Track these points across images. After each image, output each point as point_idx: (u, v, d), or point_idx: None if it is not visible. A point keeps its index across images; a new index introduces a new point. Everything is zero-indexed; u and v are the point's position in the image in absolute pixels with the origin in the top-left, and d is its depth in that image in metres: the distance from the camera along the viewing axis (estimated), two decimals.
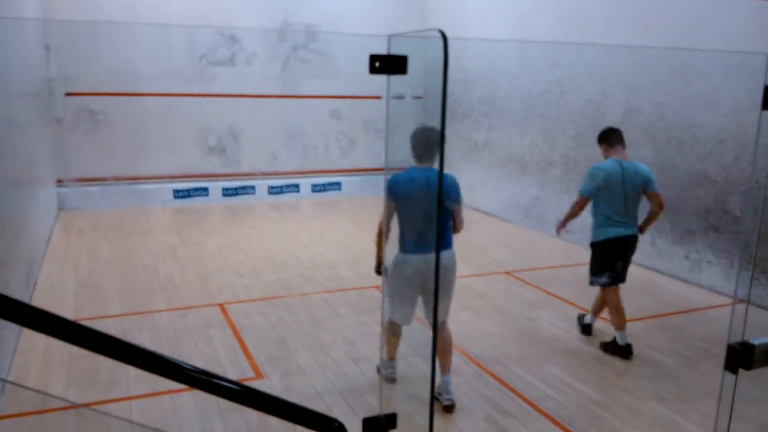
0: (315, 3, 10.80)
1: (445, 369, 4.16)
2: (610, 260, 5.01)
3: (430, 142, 4.00)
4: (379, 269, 4.33)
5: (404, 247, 4.01)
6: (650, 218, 5.12)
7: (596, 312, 5.38)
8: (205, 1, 10.07)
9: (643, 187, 4.98)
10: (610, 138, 5.10)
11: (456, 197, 4.05)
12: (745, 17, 6.15)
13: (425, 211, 3.90)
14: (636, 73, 7.42)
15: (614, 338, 5.01)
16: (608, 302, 5.07)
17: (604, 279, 5.04)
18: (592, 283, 5.13)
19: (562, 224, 5.15)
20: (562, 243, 8.48)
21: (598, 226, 5.03)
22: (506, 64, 9.67)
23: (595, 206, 5.02)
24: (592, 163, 8.24)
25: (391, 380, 4.39)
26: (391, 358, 4.43)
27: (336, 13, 10.87)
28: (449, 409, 4.05)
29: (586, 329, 5.42)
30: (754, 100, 6.06)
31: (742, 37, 6.16)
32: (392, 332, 4.31)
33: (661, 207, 5.04)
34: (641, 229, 5.12)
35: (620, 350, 4.96)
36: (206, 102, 10.32)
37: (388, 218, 4.00)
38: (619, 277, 5.06)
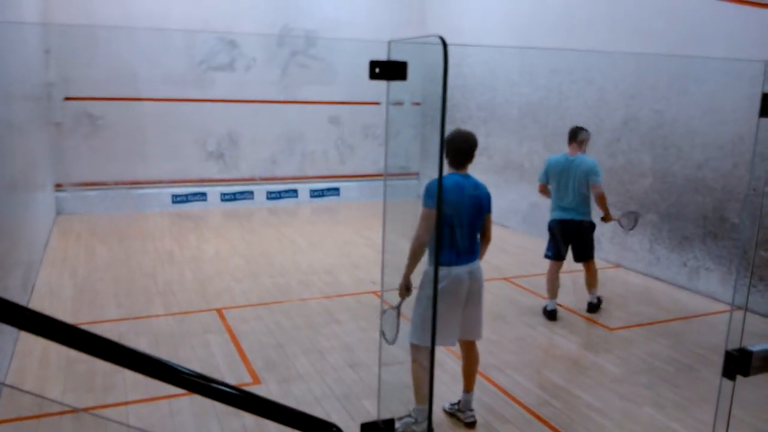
0: (314, 9, 10.83)
1: (470, 386, 4.05)
2: (552, 238, 5.92)
3: (470, 147, 3.90)
4: (408, 290, 3.77)
5: (446, 259, 3.72)
6: (599, 206, 5.76)
7: (553, 294, 5.95)
8: (205, 6, 10.09)
9: (586, 178, 5.68)
10: (569, 136, 5.89)
11: (490, 207, 3.94)
12: (743, 25, 6.18)
13: (471, 221, 3.78)
14: (635, 80, 7.44)
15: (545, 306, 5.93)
16: (547, 272, 5.97)
17: (548, 252, 5.96)
18: (545, 256, 6.03)
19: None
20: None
21: (550, 210, 5.96)
22: (505, 71, 9.69)
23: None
24: None
25: None
26: (420, 401, 3.86)
27: (335, 20, 10.90)
28: (472, 425, 3.97)
29: (551, 315, 5.86)
30: (753, 107, 6.07)
31: (740, 45, 6.19)
32: (425, 365, 3.84)
33: (599, 197, 5.69)
34: (605, 218, 5.81)
35: (546, 314, 5.87)
36: (205, 107, 10.33)
37: (431, 228, 3.64)
38: (559, 254, 5.90)
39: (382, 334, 3.89)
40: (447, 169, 3.84)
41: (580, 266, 6.09)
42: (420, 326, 3.78)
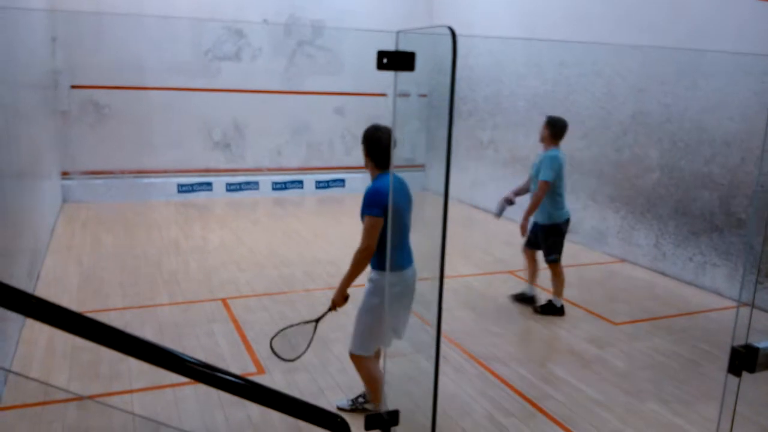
0: None
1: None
2: (563, 236, 5.80)
3: (389, 145, 3.52)
4: (345, 300, 3.64)
5: (399, 262, 3.55)
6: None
7: (533, 279, 6.01)
8: None
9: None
10: (562, 129, 5.65)
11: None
12: (752, 19, 6.12)
13: (408, 221, 3.61)
14: (643, 73, 7.39)
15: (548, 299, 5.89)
16: (553, 272, 5.81)
17: (557, 254, 5.74)
18: (555, 259, 5.73)
19: (527, 218, 5.72)
20: (566, 244, 8.44)
21: (559, 208, 5.66)
22: (512, 63, 9.64)
23: (555, 190, 5.60)
24: (599, 163, 8.23)
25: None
26: (379, 400, 3.73)
27: (342, 10, 10.86)
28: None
29: (520, 298, 6.02)
30: (761, 102, 6.04)
31: (749, 40, 6.13)
32: (376, 367, 3.77)
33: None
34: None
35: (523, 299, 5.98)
36: (211, 96, 10.32)
37: (377, 238, 3.46)
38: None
39: (274, 351, 3.62)
40: (373, 169, 3.62)
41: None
42: (367, 337, 3.61)
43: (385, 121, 11.98)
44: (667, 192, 7.13)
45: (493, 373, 4.62)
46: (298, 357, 3.67)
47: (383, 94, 11.22)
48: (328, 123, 11.26)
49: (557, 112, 8.77)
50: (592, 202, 8.19)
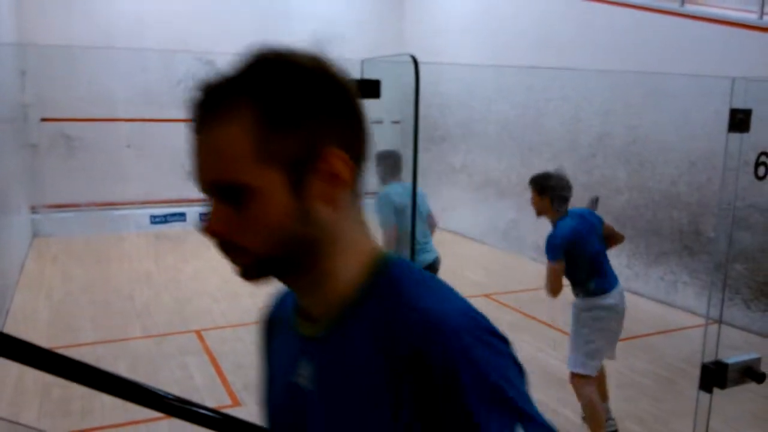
0: (294, 28, 10.86)
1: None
2: None
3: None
4: None
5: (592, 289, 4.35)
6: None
7: None
8: (183, 26, 10.09)
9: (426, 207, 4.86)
10: (397, 161, 4.73)
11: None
12: (713, 43, 6.32)
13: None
14: (609, 97, 7.57)
15: None
16: None
17: None
18: None
19: None
20: (541, 266, 8.51)
21: (419, 251, 4.87)
22: (482, 89, 9.80)
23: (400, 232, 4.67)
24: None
25: None
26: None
27: (313, 40, 10.94)
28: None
29: None
30: (723, 122, 6.20)
31: (709, 62, 6.32)
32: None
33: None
34: None
35: None
36: (183, 127, 10.26)
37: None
38: None
39: None
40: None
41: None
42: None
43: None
44: (636, 212, 7.25)
45: None
46: None
47: None
48: None
49: (527, 136, 8.94)
50: None
